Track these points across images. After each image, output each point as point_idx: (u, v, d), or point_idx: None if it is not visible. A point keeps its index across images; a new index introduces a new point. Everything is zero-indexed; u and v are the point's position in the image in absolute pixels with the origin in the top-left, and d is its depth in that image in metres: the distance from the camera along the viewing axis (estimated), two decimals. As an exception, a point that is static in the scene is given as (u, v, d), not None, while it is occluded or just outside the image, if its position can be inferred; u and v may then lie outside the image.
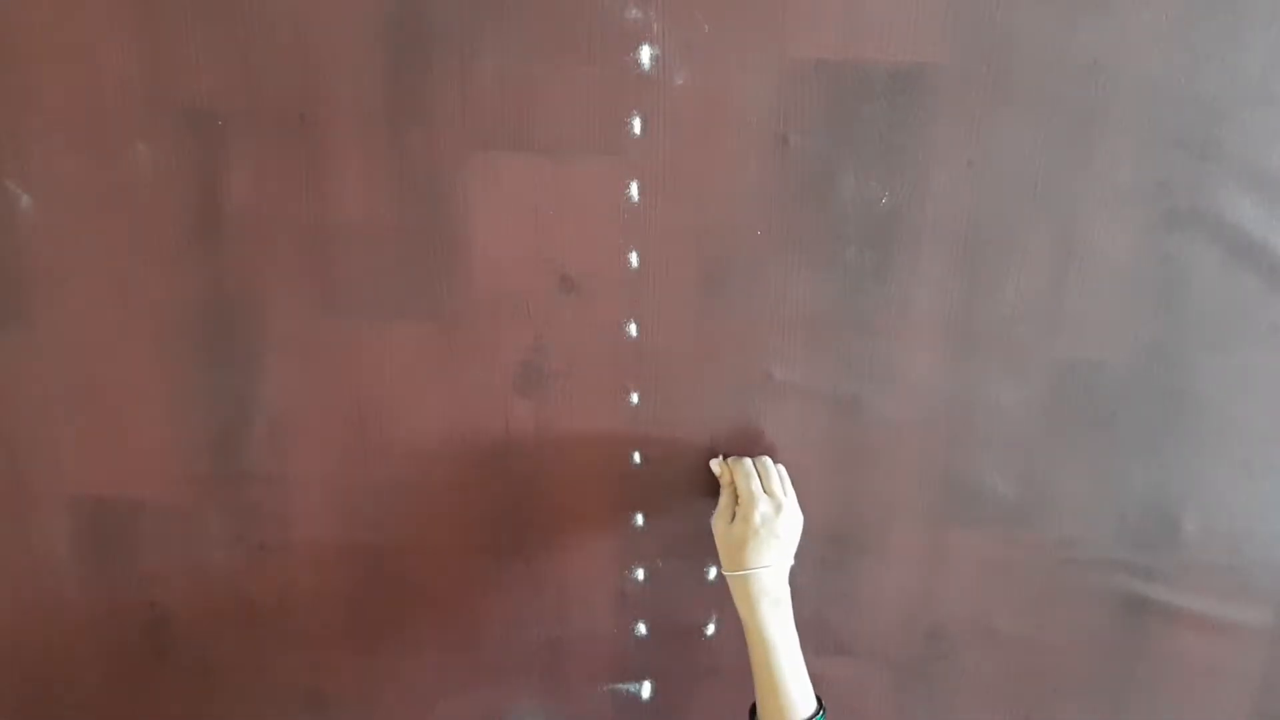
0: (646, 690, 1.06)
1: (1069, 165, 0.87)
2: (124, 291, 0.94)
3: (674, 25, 0.84)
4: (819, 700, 0.88)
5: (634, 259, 0.92)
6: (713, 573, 1.02)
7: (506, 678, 1.07)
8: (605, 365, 0.95)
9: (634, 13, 0.84)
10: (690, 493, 0.99)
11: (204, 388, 0.97)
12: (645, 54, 0.86)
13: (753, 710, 0.89)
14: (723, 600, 1.03)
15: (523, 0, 0.85)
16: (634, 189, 0.89)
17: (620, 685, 1.07)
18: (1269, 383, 0.93)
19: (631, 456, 0.98)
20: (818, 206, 0.89)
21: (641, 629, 1.04)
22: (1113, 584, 1.00)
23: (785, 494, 0.91)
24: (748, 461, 0.93)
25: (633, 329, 0.94)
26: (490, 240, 0.91)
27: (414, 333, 0.94)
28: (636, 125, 0.88)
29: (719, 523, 0.91)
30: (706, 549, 1.01)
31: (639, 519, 1.00)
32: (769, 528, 0.88)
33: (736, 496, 0.91)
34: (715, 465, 0.95)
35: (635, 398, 0.96)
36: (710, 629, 1.04)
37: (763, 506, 0.88)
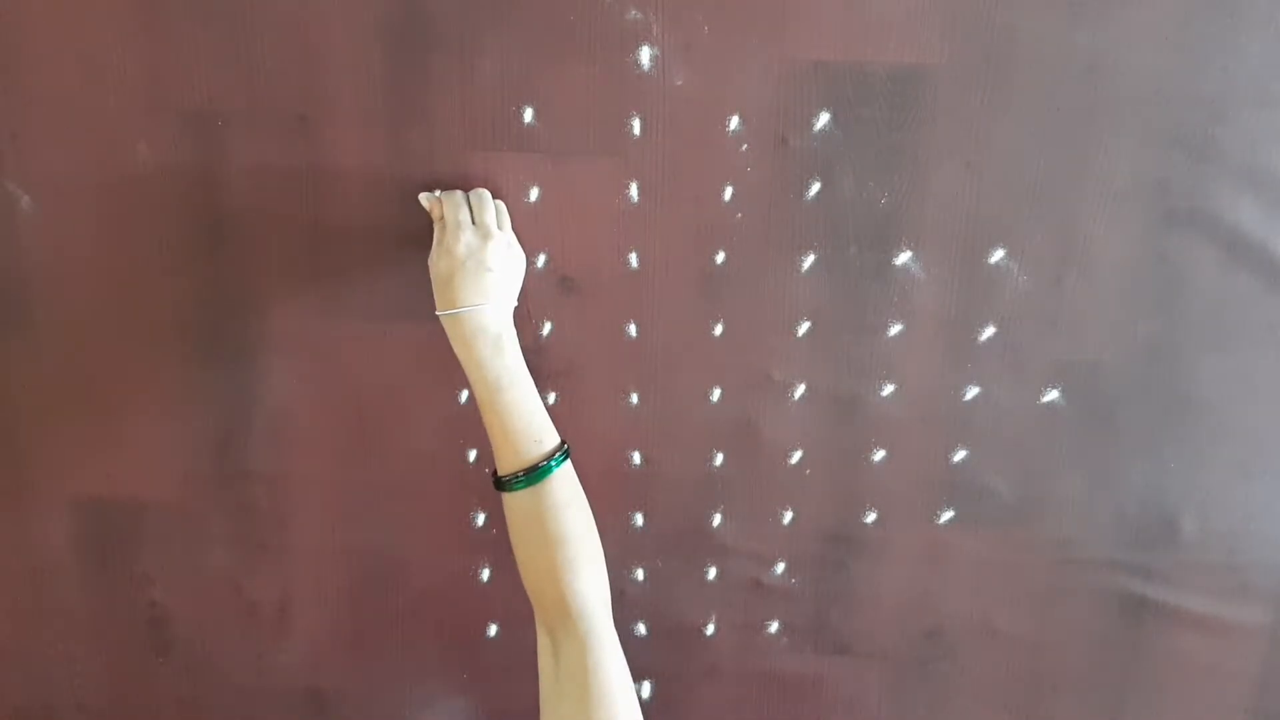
0: (646, 690, 1.06)
1: (1068, 165, 0.87)
2: (124, 291, 0.94)
3: (674, 26, 0.85)
4: (562, 440, 0.80)
5: (634, 259, 0.92)
6: (712, 572, 1.02)
7: (506, 678, 1.07)
8: (605, 365, 0.95)
9: (634, 13, 0.84)
10: (691, 493, 0.99)
11: (204, 388, 0.97)
12: (645, 55, 0.86)
13: (494, 477, 0.80)
14: (723, 600, 1.03)
15: (523, 0, 0.85)
16: (634, 189, 0.90)
17: (620, 685, 1.07)
18: (1268, 383, 0.93)
19: (631, 456, 0.98)
20: (817, 206, 0.89)
21: (641, 629, 1.04)
22: (1112, 584, 1.00)
23: (500, 227, 0.83)
24: (458, 192, 0.85)
25: (633, 329, 0.94)
26: (490, 240, 0.91)
27: (414, 333, 0.94)
28: (636, 126, 0.88)
29: (430, 261, 0.83)
30: (706, 549, 1.01)
31: (639, 519, 1.00)
32: (476, 259, 0.80)
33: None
34: (425, 199, 0.85)
35: (635, 398, 0.96)
36: (710, 629, 1.04)
37: (466, 236, 0.80)
